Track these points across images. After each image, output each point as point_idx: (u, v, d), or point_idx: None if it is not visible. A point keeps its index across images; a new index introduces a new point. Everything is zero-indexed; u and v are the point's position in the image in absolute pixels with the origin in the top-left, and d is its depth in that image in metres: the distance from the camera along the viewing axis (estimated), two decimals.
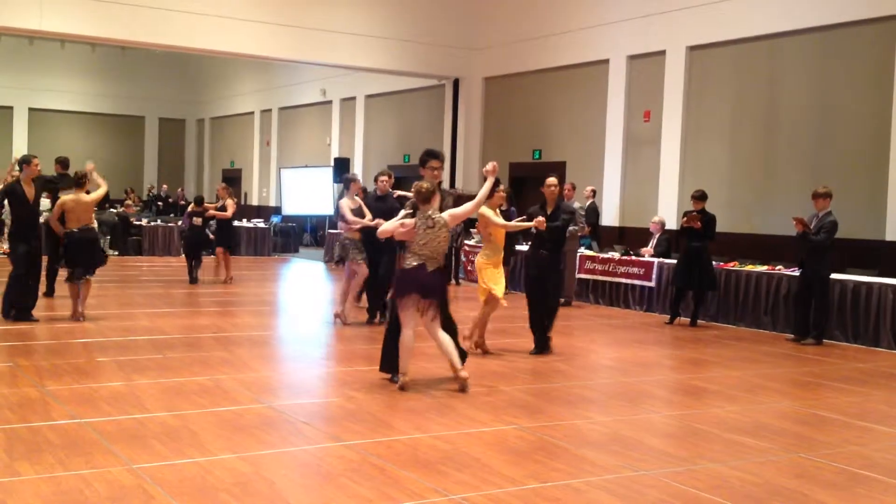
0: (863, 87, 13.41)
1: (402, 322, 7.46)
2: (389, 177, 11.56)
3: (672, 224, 14.77)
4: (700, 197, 12.38)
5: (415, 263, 7.35)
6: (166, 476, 5.02)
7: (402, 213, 7.74)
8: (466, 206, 7.75)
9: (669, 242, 14.10)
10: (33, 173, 10.57)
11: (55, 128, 31.47)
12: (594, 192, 16.42)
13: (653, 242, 14.31)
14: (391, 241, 11.25)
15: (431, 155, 8.16)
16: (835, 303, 11.39)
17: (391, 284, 7.88)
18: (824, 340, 11.18)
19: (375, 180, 11.73)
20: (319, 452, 5.69)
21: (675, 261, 13.12)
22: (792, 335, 11.41)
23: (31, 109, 31.27)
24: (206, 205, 15.77)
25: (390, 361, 7.70)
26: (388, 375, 7.73)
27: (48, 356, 8.61)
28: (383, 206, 10.91)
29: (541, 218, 9.16)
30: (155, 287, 14.86)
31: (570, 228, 13.04)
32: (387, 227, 7.63)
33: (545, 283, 9.56)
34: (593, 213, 16.13)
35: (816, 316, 11.15)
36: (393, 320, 7.78)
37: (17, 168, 11.04)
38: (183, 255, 16.59)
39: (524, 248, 14.68)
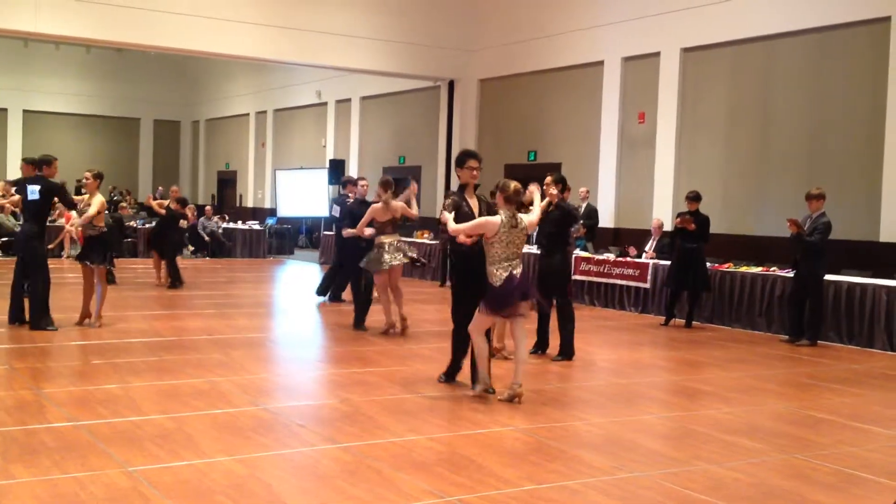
0: (857, 88, 13.43)
1: (475, 330, 7.30)
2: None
3: (667, 225, 14.82)
4: (694, 198, 12.40)
5: (504, 275, 7.08)
6: (162, 478, 5.02)
7: (448, 214, 7.38)
8: (534, 215, 7.63)
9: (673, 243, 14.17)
10: (54, 173, 10.52)
11: (50, 130, 31.41)
12: (588, 192, 16.41)
13: (652, 243, 14.33)
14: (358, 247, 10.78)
15: (470, 155, 7.70)
16: (829, 304, 11.42)
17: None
18: (819, 341, 11.21)
19: (355, 184, 11.56)
20: (315, 454, 5.69)
21: (669, 262, 13.20)
22: (787, 336, 11.43)
23: (25, 111, 31.19)
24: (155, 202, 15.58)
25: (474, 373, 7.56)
26: (475, 391, 7.45)
27: (43, 359, 8.60)
28: (365, 211, 10.68)
29: (553, 191, 9.18)
30: (150, 289, 14.84)
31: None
32: (459, 226, 7.25)
33: (543, 281, 9.48)
34: (595, 213, 16.13)
35: (810, 317, 11.17)
36: (462, 331, 7.55)
37: (12, 190, 10.97)
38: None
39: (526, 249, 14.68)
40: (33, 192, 10.09)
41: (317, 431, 6.25)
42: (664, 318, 12.76)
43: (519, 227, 7.18)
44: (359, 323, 10.92)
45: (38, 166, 10.36)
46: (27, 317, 10.18)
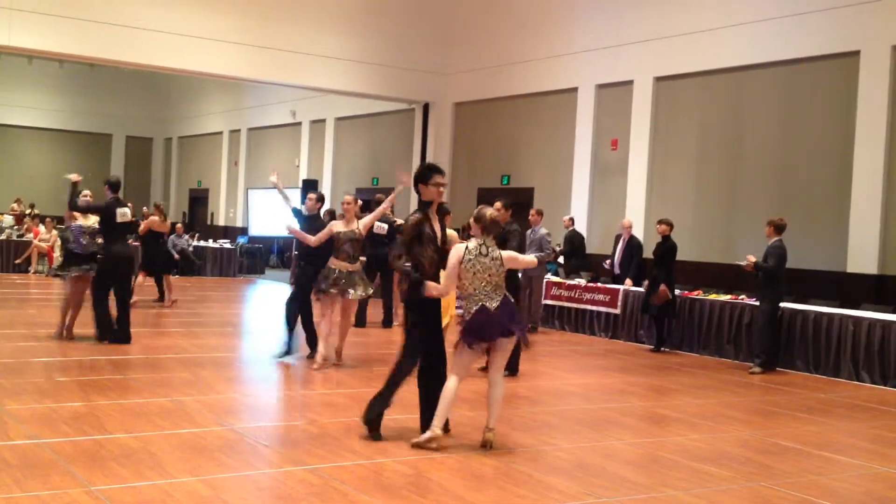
0: (826, 119, 13.63)
1: (453, 369, 6.55)
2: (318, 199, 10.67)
3: (636, 231, 14.99)
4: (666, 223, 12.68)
5: (475, 308, 6.49)
6: (125, 498, 4.96)
7: (411, 271, 6.55)
8: (527, 258, 7.31)
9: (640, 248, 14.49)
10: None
11: (21, 144, 31.16)
12: (572, 220, 16.25)
13: (622, 245, 14.50)
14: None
15: (435, 170, 6.84)
16: (796, 333, 11.52)
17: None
18: (787, 370, 11.30)
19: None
20: (281, 476, 5.64)
21: (638, 288, 13.47)
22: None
23: None
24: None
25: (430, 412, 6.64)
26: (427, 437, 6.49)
27: (7, 375, 8.47)
28: (315, 226, 10.13)
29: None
30: None
31: (538, 255, 13.11)
32: (441, 287, 6.58)
33: None
34: (579, 240, 16.02)
35: (763, 341, 11.28)
36: (425, 366, 6.73)
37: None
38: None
39: None
40: (124, 214, 10.51)
41: (283, 453, 6.20)
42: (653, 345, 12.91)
43: (490, 257, 6.54)
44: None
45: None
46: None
